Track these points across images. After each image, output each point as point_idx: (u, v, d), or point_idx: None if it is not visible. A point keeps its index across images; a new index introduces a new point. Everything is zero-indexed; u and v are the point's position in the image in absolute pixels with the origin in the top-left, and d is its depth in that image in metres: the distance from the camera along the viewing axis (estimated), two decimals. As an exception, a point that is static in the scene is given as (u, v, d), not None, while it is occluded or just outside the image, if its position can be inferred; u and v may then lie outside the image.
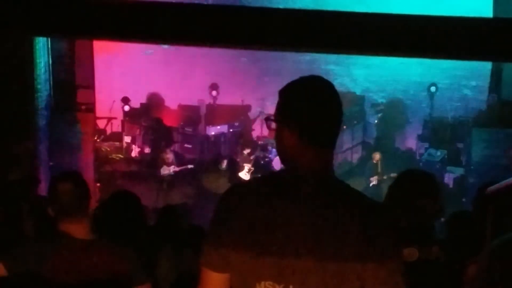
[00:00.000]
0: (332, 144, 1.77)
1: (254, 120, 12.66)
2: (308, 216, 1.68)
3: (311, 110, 1.71)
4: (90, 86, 10.47)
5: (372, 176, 10.63)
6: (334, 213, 1.68)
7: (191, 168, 11.02)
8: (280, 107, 1.78)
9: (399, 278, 1.69)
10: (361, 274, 1.66)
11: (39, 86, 8.39)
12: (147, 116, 12.17)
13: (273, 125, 1.80)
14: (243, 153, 11.19)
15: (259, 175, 2.08)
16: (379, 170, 10.63)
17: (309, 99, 1.73)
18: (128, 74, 12.42)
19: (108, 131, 12.28)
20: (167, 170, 10.75)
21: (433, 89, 12.09)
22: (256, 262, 1.70)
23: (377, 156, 10.78)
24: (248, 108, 12.94)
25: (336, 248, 1.65)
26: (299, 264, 1.67)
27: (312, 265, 1.66)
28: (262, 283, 1.70)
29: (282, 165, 1.84)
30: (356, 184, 8.84)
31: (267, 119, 1.83)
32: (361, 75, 12.60)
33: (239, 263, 1.73)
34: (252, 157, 11.13)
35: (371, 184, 10.55)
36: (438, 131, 11.54)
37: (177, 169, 10.81)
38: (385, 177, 10.35)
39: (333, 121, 1.75)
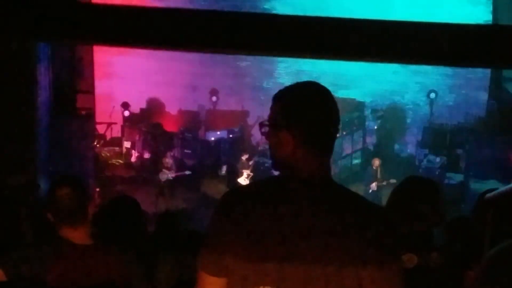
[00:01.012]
0: (331, 149, 1.78)
1: (253, 125, 12.67)
2: (308, 220, 1.68)
3: (313, 115, 1.72)
4: (90, 91, 10.48)
5: (372, 182, 10.62)
6: (334, 216, 1.68)
7: (188, 174, 11.01)
8: (279, 112, 1.76)
9: (397, 281, 1.69)
10: (360, 277, 1.66)
11: (39, 91, 8.39)
12: (147, 121, 12.18)
13: (268, 130, 1.79)
14: (242, 159, 11.19)
15: (258, 180, 2.05)
16: (379, 176, 10.62)
17: (311, 104, 1.73)
18: (128, 79, 12.43)
19: (108, 136, 12.29)
20: (166, 175, 10.74)
21: (432, 95, 12.11)
22: (254, 266, 1.69)
23: (376, 162, 10.77)
24: (247, 113, 12.95)
25: (337, 252, 1.65)
26: (299, 268, 1.66)
27: (312, 269, 1.66)
28: (261, 287, 1.70)
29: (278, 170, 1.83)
30: (356, 190, 8.80)
31: (262, 124, 1.82)
32: (361, 81, 12.62)
33: (236, 268, 1.72)
34: (251, 163, 11.13)
35: (370, 190, 10.54)
36: (437, 137, 11.55)
37: (174, 174, 10.79)
38: (384, 183, 10.35)
39: (333, 126, 1.76)
